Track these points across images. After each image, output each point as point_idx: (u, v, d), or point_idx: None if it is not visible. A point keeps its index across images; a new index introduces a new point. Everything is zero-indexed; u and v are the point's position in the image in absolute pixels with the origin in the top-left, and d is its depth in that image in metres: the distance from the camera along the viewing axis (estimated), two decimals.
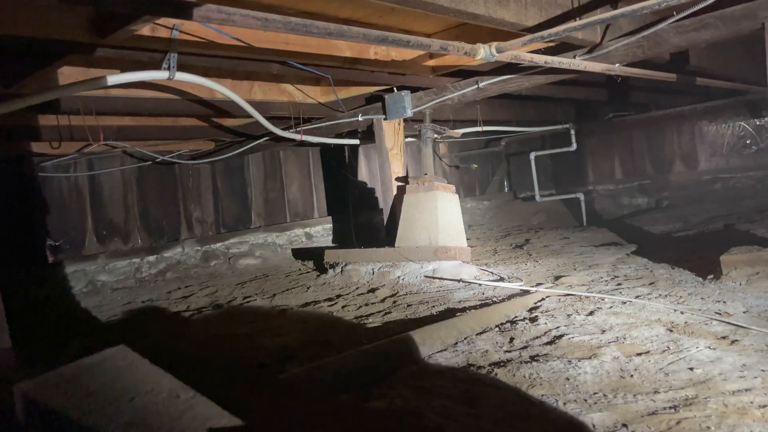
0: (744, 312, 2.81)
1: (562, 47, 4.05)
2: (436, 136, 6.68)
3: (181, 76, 3.36)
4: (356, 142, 6.53)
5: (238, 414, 2.00)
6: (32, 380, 2.04)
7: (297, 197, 8.08)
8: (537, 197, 8.93)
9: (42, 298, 5.52)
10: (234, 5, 2.31)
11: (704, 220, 6.18)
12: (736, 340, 2.43)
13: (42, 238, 5.92)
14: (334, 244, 7.91)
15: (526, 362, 2.41)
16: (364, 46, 3.99)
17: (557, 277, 4.12)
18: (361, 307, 3.91)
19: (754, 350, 2.31)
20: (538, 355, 2.48)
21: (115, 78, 3.33)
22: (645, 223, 6.65)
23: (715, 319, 2.73)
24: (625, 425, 1.80)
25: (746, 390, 1.95)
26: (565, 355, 2.44)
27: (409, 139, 7.36)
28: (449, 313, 3.37)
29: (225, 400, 2.21)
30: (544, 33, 3.01)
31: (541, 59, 3.59)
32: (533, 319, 3.02)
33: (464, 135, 7.99)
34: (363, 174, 8.40)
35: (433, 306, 3.66)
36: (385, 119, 5.43)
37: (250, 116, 4.56)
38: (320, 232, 8.09)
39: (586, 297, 3.38)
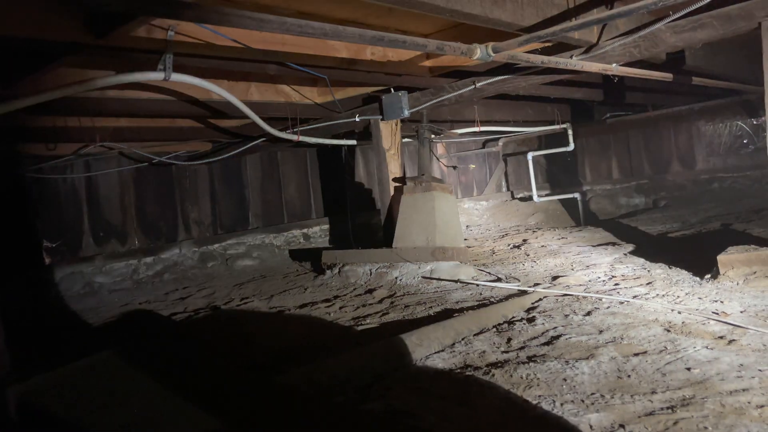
0: (741, 311, 2.81)
1: (558, 47, 4.05)
2: (433, 136, 6.68)
3: (177, 77, 3.35)
4: (353, 142, 6.53)
5: (233, 416, 2.00)
6: (27, 382, 2.03)
7: (294, 198, 8.07)
8: (534, 197, 8.93)
9: (38, 300, 5.51)
10: (230, 6, 2.30)
11: (701, 220, 6.18)
12: (734, 340, 2.43)
13: (38, 239, 5.90)
14: (331, 245, 7.90)
15: (524, 363, 2.41)
16: (360, 47, 3.98)
17: (555, 278, 4.12)
18: (358, 308, 3.91)
19: (752, 350, 2.30)
20: (535, 356, 2.48)
21: (111, 79, 3.31)
22: (642, 223, 6.65)
23: (713, 319, 2.72)
24: (622, 426, 1.80)
25: (744, 390, 1.95)
26: (563, 356, 2.43)
27: (406, 140, 7.35)
28: (447, 314, 3.37)
29: (220, 402, 2.20)
30: (541, 33, 3.01)
31: (538, 59, 3.59)
32: (531, 320, 3.01)
33: (462, 135, 8.01)
34: (360, 175, 8.40)
35: (431, 307, 3.65)
36: (382, 120, 5.43)
37: (247, 117, 4.55)
38: (317, 233, 8.08)
39: (584, 297, 3.37)
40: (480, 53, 3.07)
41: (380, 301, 4.04)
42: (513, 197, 9.85)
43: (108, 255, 6.24)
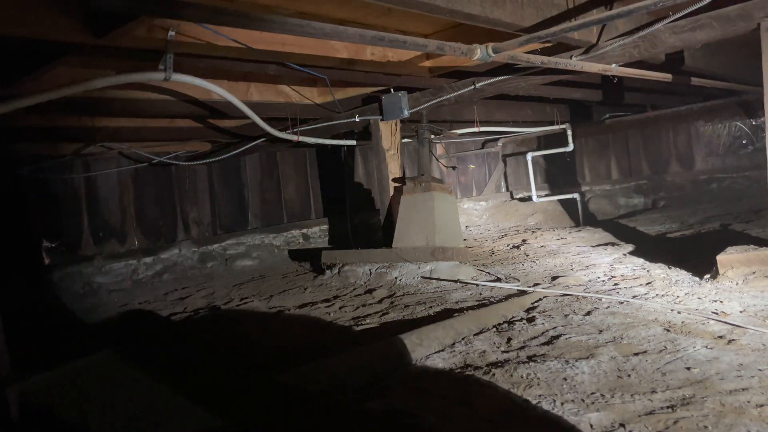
0: (741, 311, 2.82)
1: (558, 48, 4.06)
2: (433, 136, 6.69)
3: (178, 77, 3.35)
4: (353, 143, 6.53)
5: (233, 416, 2.00)
6: (27, 382, 2.03)
7: (294, 198, 8.07)
8: (534, 197, 8.94)
9: (38, 300, 5.50)
10: (230, 6, 2.30)
11: (701, 220, 6.19)
12: (733, 340, 2.43)
13: (38, 239, 5.90)
14: (330, 245, 7.90)
15: (524, 362, 2.41)
16: (360, 47, 3.98)
17: (554, 278, 4.12)
18: (358, 308, 3.91)
19: (751, 350, 2.31)
20: (535, 356, 2.48)
21: (111, 79, 3.31)
22: (641, 223, 6.66)
23: (712, 319, 2.73)
24: (622, 425, 1.80)
25: (743, 389, 1.96)
26: (563, 356, 2.44)
27: (405, 140, 7.36)
28: (446, 314, 3.37)
29: (220, 401, 2.20)
30: (541, 33, 3.01)
31: (538, 59, 3.59)
32: (531, 320, 3.02)
33: (461, 135, 8.01)
34: (360, 175, 8.40)
35: (431, 307, 3.65)
36: (382, 120, 5.43)
37: (246, 117, 4.55)
38: (317, 233, 8.08)
39: (584, 297, 3.38)
40: (480, 54, 3.08)
41: (380, 301, 4.04)
42: (512, 197, 9.85)
43: (107, 255, 6.23)
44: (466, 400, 2.12)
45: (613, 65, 4.03)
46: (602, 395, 2.03)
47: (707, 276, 3.51)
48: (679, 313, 2.89)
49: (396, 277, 4.63)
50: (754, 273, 3.31)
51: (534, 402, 2.03)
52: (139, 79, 3.34)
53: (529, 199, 9.14)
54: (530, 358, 2.45)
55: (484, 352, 2.61)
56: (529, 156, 8.94)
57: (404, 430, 1.91)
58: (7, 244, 5.59)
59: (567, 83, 5.60)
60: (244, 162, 7.53)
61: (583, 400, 2.01)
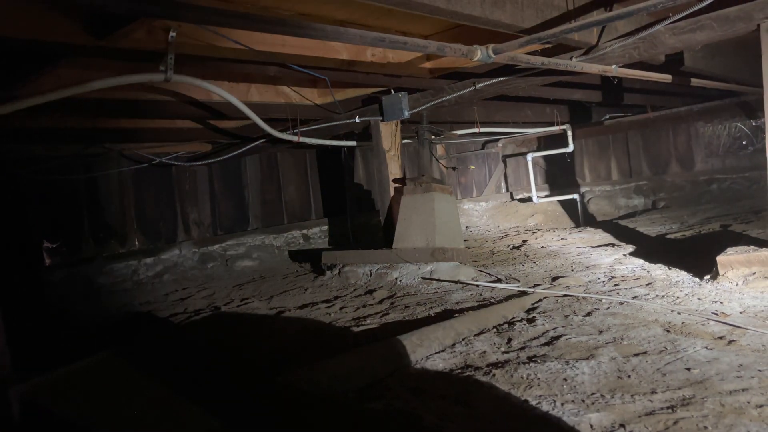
0: (741, 312, 2.82)
1: (558, 49, 4.06)
2: (433, 137, 6.69)
3: (178, 78, 3.36)
4: (353, 143, 6.54)
5: (233, 416, 2.00)
6: (28, 383, 2.03)
7: (294, 199, 8.08)
8: (534, 198, 8.94)
9: (38, 301, 5.51)
10: (230, 7, 2.31)
11: (700, 221, 6.20)
12: (733, 341, 2.44)
13: (38, 240, 5.90)
14: (331, 246, 7.91)
15: (524, 363, 2.41)
16: (360, 48, 3.99)
17: (555, 278, 4.12)
18: (358, 308, 3.91)
19: (751, 350, 2.31)
20: (535, 356, 2.48)
21: (112, 80, 3.32)
22: (641, 224, 6.66)
23: (712, 320, 2.73)
24: (622, 425, 1.80)
25: (743, 390, 1.96)
26: (563, 356, 2.44)
27: (406, 141, 7.36)
28: (447, 315, 3.37)
29: (220, 403, 2.20)
30: (541, 34, 3.02)
31: (538, 61, 3.59)
32: (531, 320, 3.02)
33: (461, 136, 8.02)
34: (360, 175, 8.41)
35: (431, 307, 3.66)
36: (382, 121, 5.43)
37: (247, 118, 4.56)
38: (317, 233, 8.09)
39: (584, 298, 3.38)
40: (480, 55, 3.08)
41: (380, 302, 4.04)
42: (512, 198, 9.86)
43: (108, 256, 6.24)
44: (467, 400, 2.12)
45: (613, 66, 4.03)
46: (602, 396, 2.03)
47: (707, 277, 3.51)
48: (679, 313, 2.89)
49: (396, 278, 4.63)
50: (754, 274, 3.31)
51: (534, 402, 2.04)
52: (140, 80, 3.34)
53: (529, 199, 9.14)
54: (530, 359, 2.46)
55: (485, 352, 2.62)
56: (529, 157, 8.95)
57: (404, 430, 1.91)
58: (7, 245, 5.60)
59: (567, 84, 5.61)
60: (244, 163, 7.53)
61: (583, 401, 2.01)
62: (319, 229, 8.11)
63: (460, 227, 5.06)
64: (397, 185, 5.48)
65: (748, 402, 1.87)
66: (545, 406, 1.99)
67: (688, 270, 3.80)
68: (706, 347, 2.39)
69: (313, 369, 2.48)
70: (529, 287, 3.83)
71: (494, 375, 2.32)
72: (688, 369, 2.19)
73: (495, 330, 2.93)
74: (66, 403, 1.96)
